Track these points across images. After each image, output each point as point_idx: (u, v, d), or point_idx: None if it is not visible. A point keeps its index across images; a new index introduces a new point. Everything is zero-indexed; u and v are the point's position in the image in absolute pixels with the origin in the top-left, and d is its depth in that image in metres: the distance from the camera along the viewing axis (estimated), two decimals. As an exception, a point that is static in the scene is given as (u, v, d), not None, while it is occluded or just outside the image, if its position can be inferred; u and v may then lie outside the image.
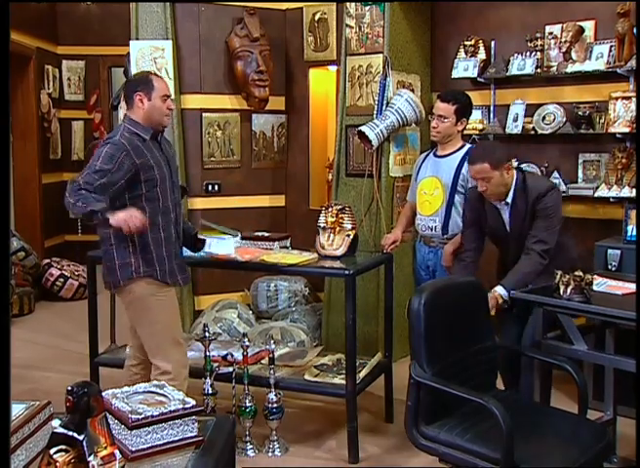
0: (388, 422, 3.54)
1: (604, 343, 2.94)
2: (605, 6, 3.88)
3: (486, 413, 2.19)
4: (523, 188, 3.07)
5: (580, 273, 2.65)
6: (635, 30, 3.66)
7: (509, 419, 2.13)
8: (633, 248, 3.52)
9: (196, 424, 1.69)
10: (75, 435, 1.37)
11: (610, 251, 3.59)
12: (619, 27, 3.75)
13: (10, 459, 1.40)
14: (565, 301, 2.63)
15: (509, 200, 3.09)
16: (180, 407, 1.65)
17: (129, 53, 4.54)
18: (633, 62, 3.71)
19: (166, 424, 1.62)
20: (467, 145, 3.48)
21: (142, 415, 1.59)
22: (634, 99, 3.79)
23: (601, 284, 2.85)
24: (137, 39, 4.55)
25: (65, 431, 1.38)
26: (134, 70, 4.54)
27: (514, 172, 3.10)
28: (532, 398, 2.84)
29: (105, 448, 1.40)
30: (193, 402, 1.70)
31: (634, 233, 3.61)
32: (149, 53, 4.49)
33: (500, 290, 3.01)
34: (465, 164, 3.31)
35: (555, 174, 4.10)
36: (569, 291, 2.64)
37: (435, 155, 3.52)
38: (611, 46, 3.89)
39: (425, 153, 3.66)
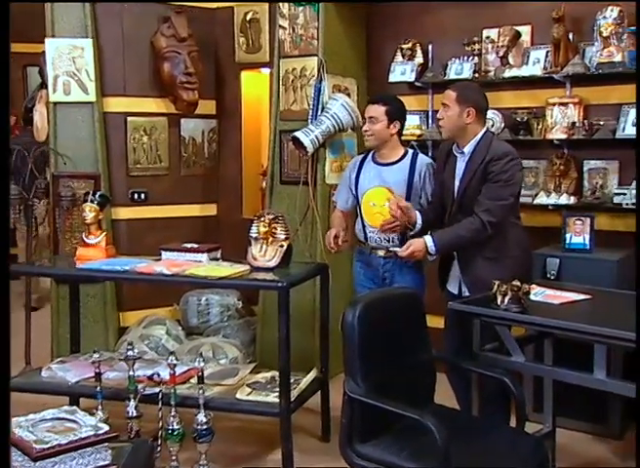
0: (325, 441, 3.53)
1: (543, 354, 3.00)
2: (540, 11, 3.99)
3: (423, 429, 2.20)
4: (486, 147, 3.06)
5: (518, 282, 2.70)
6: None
7: (446, 435, 2.15)
8: (572, 256, 3.62)
9: (109, 451, 1.63)
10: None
11: (549, 259, 3.66)
12: (554, 33, 3.87)
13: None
14: (502, 312, 2.67)
15: (466, 150, 3.11)
16: (92, 433, 1.60)
17: (45, 51, 4.42)
18: (569, 68, 3.84)
19: (76, 453, 1.56)
20: (410, 151, 3.50)
21: (49, 445, 1.53)
22: (571, 105, 3.92)
23: (539, 293, 2.91)
24: (53, 37, 4.44)
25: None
26: (50, 71, 4.43)
27: (480, 127, 3.11)
28: (470, 412, 2.88)
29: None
30: (107, 427, 1.65)
31: (573, 241, 3.72)
32: (67, 52, 4.38)
33: (428, 240, 3.06)
34: (417, 171, 3.38)
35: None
36: (506, 301, 2.69)
37: (376, 163, 3.48)
38: (547, 51, 4.01)
39: (359, 158, 3.60)
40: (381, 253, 3.44)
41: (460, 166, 3.15)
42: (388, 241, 3.40)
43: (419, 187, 3.40)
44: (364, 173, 3.50)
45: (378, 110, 3.38)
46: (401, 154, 3.45)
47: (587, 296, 2.87)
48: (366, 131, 3.42)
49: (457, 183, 3.15)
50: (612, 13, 3.66)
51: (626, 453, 3.31)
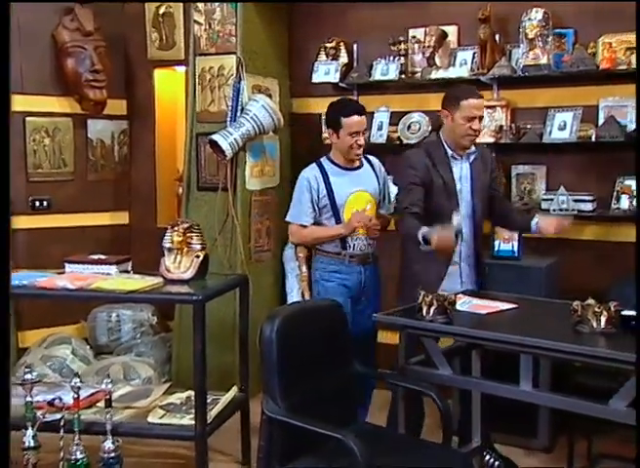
0: (245, 465, 3.49)
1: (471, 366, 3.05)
2: (466, 11, 4.08)
3: (346, 449, 2.20)
4: (478, 147, 3.31)
5: (443, 292, 2.74)
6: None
7: (367, 455, 2.16)
8: (500, 263, 3.71)
9: (-6, 488, 1.55)
10: None
11: (478, 267, 3.74)
12: (480, 33, 3.97)
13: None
14: (427, 323, 2.70)
15: (471, 150, 3.25)
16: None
17: None
18: (495, 70, 3.94)
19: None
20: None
21: None
22: (498, 109, 4.03)
23: (465, 303, 2.95)
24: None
25: None
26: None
27: None
28: (397, 429, 2.90)
29: None
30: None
31: (501, 248, 3.81)
32: (-46, 44, 4.22)
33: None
34: (377, 171, 3.49)
35: (421, 186, 4.25)
36: (432, 311, 2.71)
37: (345, 168, 3.43)
38: (474, 52, 4.10)
39: (316, 170, 3.43)
40: (358, 260, 3.41)
41: (462, 167, 3.24)
42: (371, 247, 3.45)
43: (384, 188, 3.53)
44: (336, 181, 3.41)
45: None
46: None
47: (514, 306, 2.93)
48: (361, 145, 3.38)
49: (465, 185, 3.23)
50: (536, 14, 3.78)
51: (555, 467, 3.40)
